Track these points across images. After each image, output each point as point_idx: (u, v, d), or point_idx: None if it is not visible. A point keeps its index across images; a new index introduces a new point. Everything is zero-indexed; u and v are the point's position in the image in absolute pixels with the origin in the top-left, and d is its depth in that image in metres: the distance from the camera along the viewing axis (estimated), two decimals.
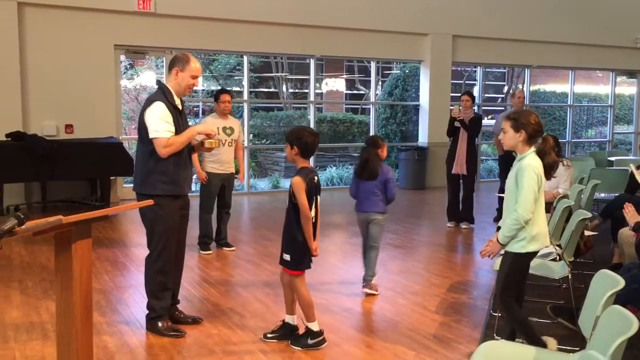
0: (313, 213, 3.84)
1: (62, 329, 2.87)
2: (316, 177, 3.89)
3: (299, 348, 3.88)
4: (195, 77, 4.08)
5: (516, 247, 3.49)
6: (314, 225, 3.87)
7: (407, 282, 5.51)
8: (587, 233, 5.06)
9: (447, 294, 5.15)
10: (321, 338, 3.91)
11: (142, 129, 4.01)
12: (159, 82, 4.23)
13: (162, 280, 4.11)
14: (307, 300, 3.91)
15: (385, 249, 6.73)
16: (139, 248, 6.46)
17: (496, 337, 3.96)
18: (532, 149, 3.51)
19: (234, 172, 6.58)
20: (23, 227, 2.44)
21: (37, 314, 4.49)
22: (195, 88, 4.36)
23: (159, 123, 3.93)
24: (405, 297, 5.08)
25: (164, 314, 4.15)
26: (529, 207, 3.39)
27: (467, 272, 5.93)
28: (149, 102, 4.03)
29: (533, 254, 3.56)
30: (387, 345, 3.99)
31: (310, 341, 3.89)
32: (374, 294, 5.03)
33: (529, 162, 3.45)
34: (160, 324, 4.11)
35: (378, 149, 5.12)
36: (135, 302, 4.81)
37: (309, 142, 3.83)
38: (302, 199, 3.75)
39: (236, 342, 4.02)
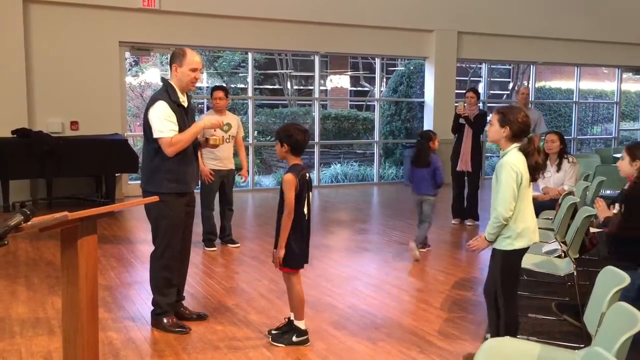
0: (306, 210, 3.82)
1: (67, 324, 2.87)
2: (308, 174, 3.86)
3: (282, 345, 3.85)
4: (195, 70, 4.02)
5: (503, 245, 3.46)
6: (307, 221, 3.86)
7: (412, 279, 5.51)
8: (592, 230, 5.04)
9: (451, 290, 5.14)
10: (305, 337, 3.89)
11: (147, 128, 4.01)
12: (163, 80, 4.20)
13: (167, 276, 4.12)
14: (300, 298, 3.87)
15: (391, 245, 6.74)
16: (144, 244, 6.48)
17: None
18: (515, 144, 3.41)
19: (233, 168, 6.52)
20: (29, 223, 2.45)
21: (43, 310, 4.51)
22: (199, 85, 4.34)
23: (162, 123, 3.93)
24: (409, 294, 5.09)
25: (169, 310, 4.16)
26: (507, 205, 3.34)
27: (471, 269, 5.92)
28: (152, 101, 4.02)
29: (522, 251, 3.49)
30: (392, 341, 3.99)
31: (295, 339, 3.86)
32: (422, 251, 6.27)
33: (508, 159, 3.38)
34: (165, 320, 4.12)
35: (430, 141, 6.07)
36: (141, 298, 4.83)
37: (299, 139, 3.78)
38: (290, 196, 3.72)
39: (241, 338, 4.03)
